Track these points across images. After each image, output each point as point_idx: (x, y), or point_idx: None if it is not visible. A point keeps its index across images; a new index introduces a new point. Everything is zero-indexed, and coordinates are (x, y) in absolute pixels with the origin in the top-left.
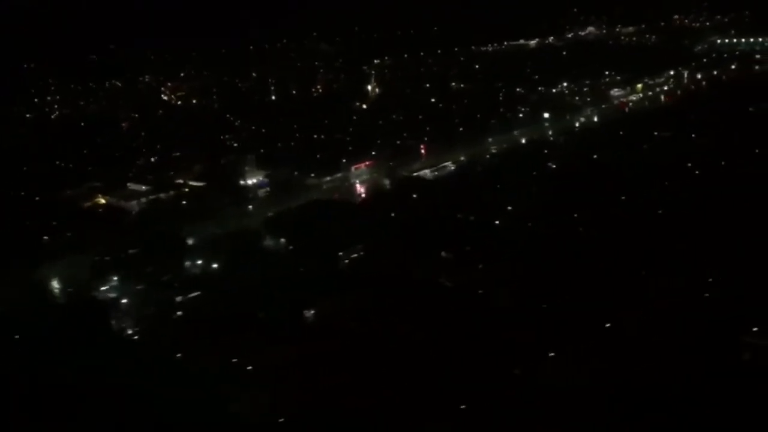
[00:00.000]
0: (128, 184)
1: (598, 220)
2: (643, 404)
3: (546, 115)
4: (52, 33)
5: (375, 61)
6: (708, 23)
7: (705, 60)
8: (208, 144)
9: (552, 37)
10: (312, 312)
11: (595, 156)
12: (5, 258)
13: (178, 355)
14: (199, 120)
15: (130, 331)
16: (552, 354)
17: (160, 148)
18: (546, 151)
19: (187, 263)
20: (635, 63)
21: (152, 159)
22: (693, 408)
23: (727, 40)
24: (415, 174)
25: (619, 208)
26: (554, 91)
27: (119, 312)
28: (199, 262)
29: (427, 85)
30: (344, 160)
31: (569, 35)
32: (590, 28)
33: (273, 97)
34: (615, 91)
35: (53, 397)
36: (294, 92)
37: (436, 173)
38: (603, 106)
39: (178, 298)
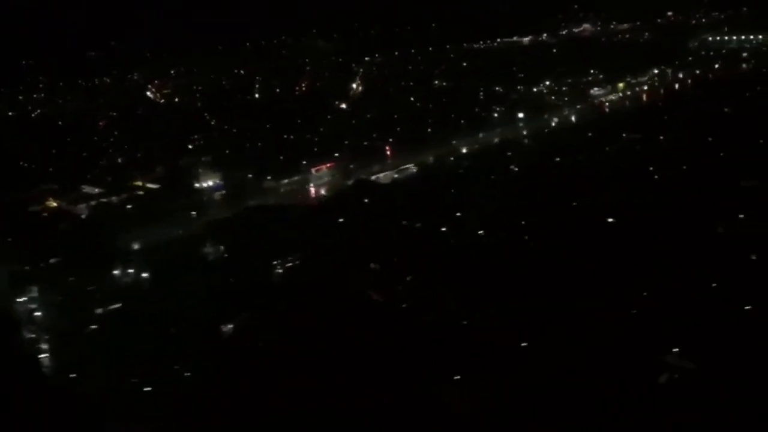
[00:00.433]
0: (82, 187)
1: (543, 229)
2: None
3: (521, 115)
4: (43, 30)
5: (365, 58)
6: (704, 20)
7: (690, 58)
8: (175, 144)
9: (546, 34)
10: (230, 327)
11: (557, 159)
12: None
13: (73, 375)
14: (176, 119)
15: (43, 346)
16: (457, 377)
17: (128, 148)
18: (509, 154)
19: (117, 272)
20: (624, 60)
21: (118, 160)
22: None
23: (719, 38)
24: (373, 177)
25: (570, 214)
26: (534, 90)
27: (33, 325)
28: (130, 270)
29: (411, 84)
30: (304, 162)
31: (563, 32)
32: (585, 25)
33: (257, 96)
34: (595, 90)
35: None
36: (278, 91)
37: (396, 176)
38: (578, 106)
39: (98, 310)
